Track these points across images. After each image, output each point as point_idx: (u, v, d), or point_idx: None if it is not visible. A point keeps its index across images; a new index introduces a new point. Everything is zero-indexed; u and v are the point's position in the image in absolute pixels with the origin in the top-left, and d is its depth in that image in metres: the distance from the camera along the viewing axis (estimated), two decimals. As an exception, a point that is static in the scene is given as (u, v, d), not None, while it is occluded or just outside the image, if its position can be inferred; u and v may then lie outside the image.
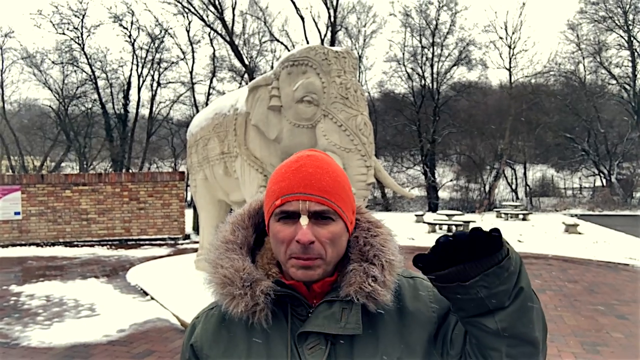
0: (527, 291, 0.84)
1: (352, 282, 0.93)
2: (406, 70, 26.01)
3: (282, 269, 1.00)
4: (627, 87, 24.86)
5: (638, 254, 10.21)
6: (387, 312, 0.95)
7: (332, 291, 0.95)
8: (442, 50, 25.33)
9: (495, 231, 0.80)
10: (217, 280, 0.96)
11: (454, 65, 25.56)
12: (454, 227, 14.32)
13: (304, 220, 0.90)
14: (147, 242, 13.30)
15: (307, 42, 22.84)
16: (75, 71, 23.14)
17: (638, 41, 24.28)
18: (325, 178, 0.93)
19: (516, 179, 27.07)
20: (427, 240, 12.83)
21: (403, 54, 26.03)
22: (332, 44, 22.11)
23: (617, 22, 24.20)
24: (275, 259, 1.01)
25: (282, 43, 24.14)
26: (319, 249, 0.90)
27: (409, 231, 14.49)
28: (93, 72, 22.50)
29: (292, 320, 0.94)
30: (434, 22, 24.87)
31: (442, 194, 26.22)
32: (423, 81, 25.47)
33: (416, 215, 18.12)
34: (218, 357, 0.96)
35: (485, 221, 17.33)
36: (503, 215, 19.10)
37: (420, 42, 25.41)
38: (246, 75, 21.80)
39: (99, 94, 22.84)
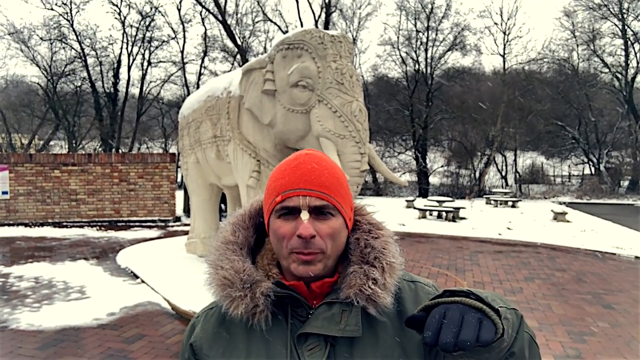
0: (518, 355, 0.82)
1: (352, 284, 0.93)
2: (400, 54, 25.84)
3: (282, 269, 1.00)
4: (619, 76, 24.91)
5: (624, 243, 10.36)
6: (387, 314, 0.95)
7: (332, 292, 0.95)
8: (436, 34, 25.16)
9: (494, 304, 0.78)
10: (217, 281, 0.96)
11: (448, 50, 25.42)
12: (444, 214, 14.41)
13: (304, 215, 0.91)
14: (137, 224, 13.24)
15: (301, 23, 22.54)
16: (64, 48, 22.63)
17: (632, 30, 24.28)
18: (324, 174, 0.94)
19: (506, 165, 27.22)
20: (418, 226, 12.92)
21: (398, 37, 25.86)
22: (327, 25, 21.84)
23: (611, 10, 24.15)
24: (276, 259, 1.01)
25: (275, 23, 23.80)
26: (319, 243, 0.91)
27: (399, 217, 14.56)
28: (82, 49, 22.04)
29: (292, 321, 0.95)
30: (430, 6, 24.64)
31: (433, 179, 26.30)
32: (417, 66, 25.33)
33: (407, 201, 18.22)
34: (217, 357, 0.97)
35: (474, 207, 17.46)
36: (492, 202, 19.25)
37: (415, 25, 25.21)
38: (238, 56, 21.51)
39: (88, 72, 22.42)
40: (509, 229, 12.49)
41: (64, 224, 13.03)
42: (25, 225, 12.77)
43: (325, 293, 0.96)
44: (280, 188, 0.94)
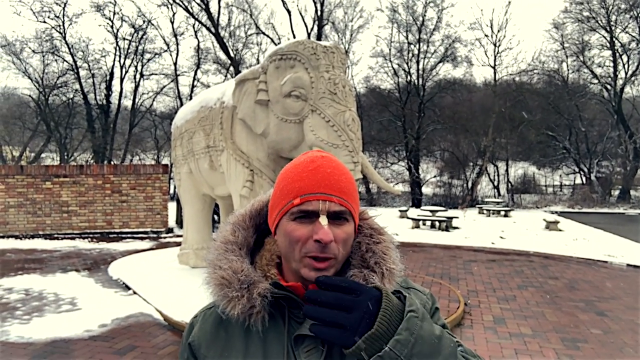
0: None
1: None
2: (392, 66, 26.04)
3: (282, 270, 1.00)
4: (608, 87, 25.23)
5: (616, 251, 10.42)
6: None
7: None
8: (428, 46, 25.40)
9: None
10: (215, 281, 0.95)
11: (439, 61, 25.64)
12: (437, 223, 14.44)
13: (324, 220, 0.90)
14: (129, 236, 13.14)
15: (294, 36, 22.71)
16: (56, 60, 22.65)
17: (620, 42, 24.64)
18: (342, 179, 0.93)
19: (498, 175, 27.38)
20: (411, 235, 12.93)
21: (389, 49, 26.07)
22: (319, 38, 22.01)
23: (600, 22, 24.52)
24: (274, 260, 1.01)
25: (268, 36, 23.96)
26: (334, 248, 0.91)
27: (393, 227, 14.56)
28: (75, 61, 22.05)
29: (290, 322, 0.94)
30: (421, 19, 24.91)
31: (426, 189, 26.38)
32: (409, 77, 25.53)
33: (400, 211, 18.24)
34: (215, 356, 0.96)
35: (467, 217, 17.51)
36: (485, 212, 19.32)
37: (407, 38, 25.45)
38: (231, 68, 21.60)
39: (80, 84, 22.41)
40: (502, 238, 12.53)
41: (55, 235, 12.91)
42: (16, 237, 12.63)
43: None
44: (299, 190, 0.92)
